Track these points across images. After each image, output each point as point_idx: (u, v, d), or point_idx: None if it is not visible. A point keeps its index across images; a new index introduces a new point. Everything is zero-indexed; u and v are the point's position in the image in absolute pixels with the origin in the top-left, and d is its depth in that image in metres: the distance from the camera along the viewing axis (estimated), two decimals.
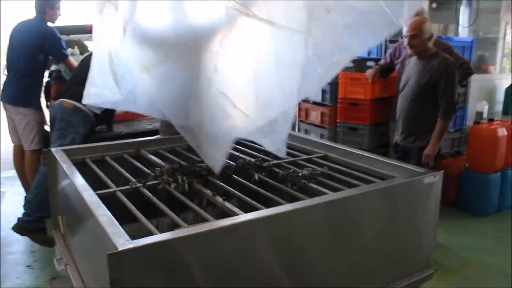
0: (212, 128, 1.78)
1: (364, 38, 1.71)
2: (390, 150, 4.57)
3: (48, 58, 4.14)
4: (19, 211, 3.54)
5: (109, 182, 1.84)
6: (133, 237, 1.24)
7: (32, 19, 4.13)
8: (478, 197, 4.47)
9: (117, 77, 1.84)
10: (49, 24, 4.15)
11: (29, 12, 4.21)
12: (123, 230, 1.27)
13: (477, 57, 5.55)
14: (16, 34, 4.12)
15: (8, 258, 3.48)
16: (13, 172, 4.74)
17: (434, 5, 5.52)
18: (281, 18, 1.60)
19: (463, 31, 5.70)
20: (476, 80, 5.03)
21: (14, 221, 3.49)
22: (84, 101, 1.95)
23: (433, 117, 3.32)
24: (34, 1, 4.13)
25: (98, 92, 1.94)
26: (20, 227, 3.38)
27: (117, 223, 1.32)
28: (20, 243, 3.64)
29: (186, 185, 1.84)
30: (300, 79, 1.65)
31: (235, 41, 1.65)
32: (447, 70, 3.25)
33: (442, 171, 1.91)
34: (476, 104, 5.28)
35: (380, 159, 2.13)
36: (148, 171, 1.99)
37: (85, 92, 1.94)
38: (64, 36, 4.66)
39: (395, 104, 3.81)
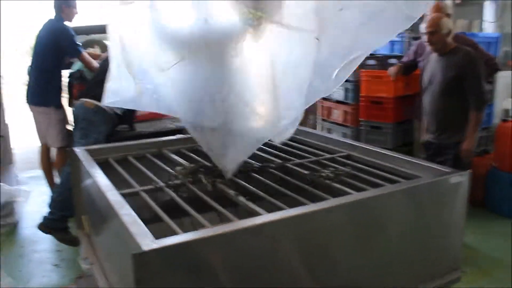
0: (231, 130, 1.77)
1: (380, 34, 1.70)
2: (415, 149, 4.50)
3: (63, 56, 4.19)
4: (44, 210, 3.59)
5: (132, 181, 1.84)
6: (156, 237, 1.24)
7: (51, 19, 4.20)
8: (506, 197, 4.35)
9: (132, 72, 1.83)
10: (67, 22, 4.21)
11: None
12: (147, 230, 1.27)
13: (503, 53, 5.39)
14: (38, 35, 4.21)
15: (34, 256, 3.54)
16: (38, 172, 4.82)
17: (458, 0, 5.40)
18: (294, 19, 1.59)
19: (489, 27, 5.57)
20: (502, 77, 4.89)
21: (39, 220, 3.54)
22: (104, 101, 1.93)
23: (464, 110, 3.30)
24: (53, 1, 4.20)
25: (117, 88, 1.90)
26: (44, 225, 3.44)
27: (141, 223, 1.33)
28: (46, 242, 3.70)
29: (209, 185, 1.83)
30: (308, 81, 1.64)
31: (251, 44, 1.65)
32: (471, 63, 3.27)
33: (469, 171, 1.87)
34: (503, 102, 5.14)
35: (405, 158, 2.09)
36: (171, 170, 1.99)
37: (105, 91, 1.92)
38: (84, 35, 4.72)
39: (419, 102, 3.76)
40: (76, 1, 4.26)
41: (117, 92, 1.90)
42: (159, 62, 1.74)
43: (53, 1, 4.20)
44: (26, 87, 4.30)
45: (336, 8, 1.60)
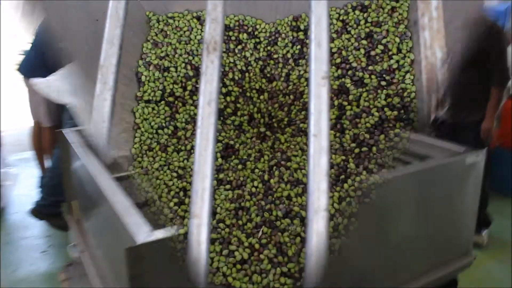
0: None
1: None
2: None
3: None
4: (33, 194, 3.46)
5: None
6: (154, 223, 1.13)
7: None
8: (509, 177, 4.27)
9: None
10: None
11: None
12: (142, 220, 1.14)
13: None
14: None
15: (21, 243, 3.42)
16: (27, 154, 4.68)
17: None
18: None
19: None
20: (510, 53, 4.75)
21: (28, 204, 3.43)
22: None
23: (486, 87, 3.15)
24: None
25: None
26: (37, 211, 3.32)
27: (136, 211, 1.20)
28: (34, 228, 3.58)
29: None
30: None
31: None
32: (497, 36, 3.10)
33: (485, 149, 1.76)
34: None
35: (414, 137, 1.97)
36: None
37: None
38: None
39: None
40: None
41: None
42: None
43: None
44: (22, 58, 4.12)
45: None
